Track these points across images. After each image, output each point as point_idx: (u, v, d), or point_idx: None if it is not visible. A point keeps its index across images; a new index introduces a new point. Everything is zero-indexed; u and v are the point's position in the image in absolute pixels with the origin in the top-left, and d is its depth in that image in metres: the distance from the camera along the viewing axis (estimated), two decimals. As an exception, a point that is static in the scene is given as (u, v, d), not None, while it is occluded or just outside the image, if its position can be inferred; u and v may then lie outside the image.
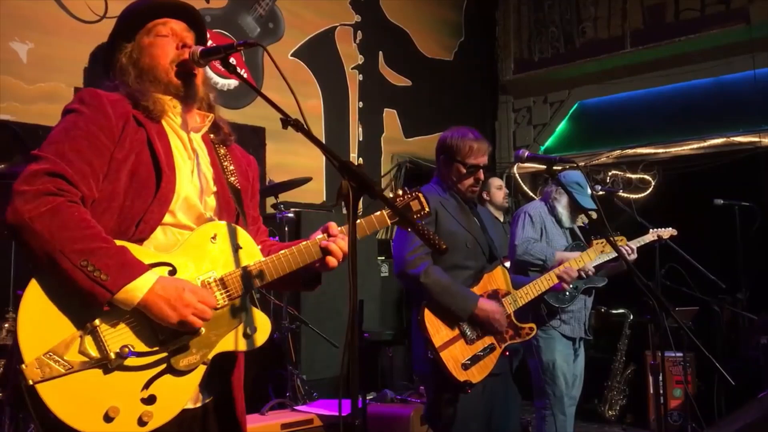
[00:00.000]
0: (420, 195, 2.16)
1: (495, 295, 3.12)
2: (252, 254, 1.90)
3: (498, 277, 3.18)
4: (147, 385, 1.69)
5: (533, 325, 3.18)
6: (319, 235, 1.96)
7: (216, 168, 1.99)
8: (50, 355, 1.60)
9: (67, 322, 1.64)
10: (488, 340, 3.05)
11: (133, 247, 1.73)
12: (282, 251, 1.92)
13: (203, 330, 1.75)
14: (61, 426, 1.60)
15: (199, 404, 1.87)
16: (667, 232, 4.17)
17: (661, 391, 3.45)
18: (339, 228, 1.99)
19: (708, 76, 7.02)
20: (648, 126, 7.34)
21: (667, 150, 7.16)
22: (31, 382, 1.57)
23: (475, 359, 2.99)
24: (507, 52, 8.59)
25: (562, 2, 8.14)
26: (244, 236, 1.91)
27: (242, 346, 1.85)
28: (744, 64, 6.67)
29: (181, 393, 1.75)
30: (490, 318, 3.01)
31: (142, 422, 1.66)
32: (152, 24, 1.96)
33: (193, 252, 1.81)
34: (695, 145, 6.99)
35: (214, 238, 1.84)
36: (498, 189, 5.42)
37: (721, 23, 6.86)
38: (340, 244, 1.94)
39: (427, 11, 7.94)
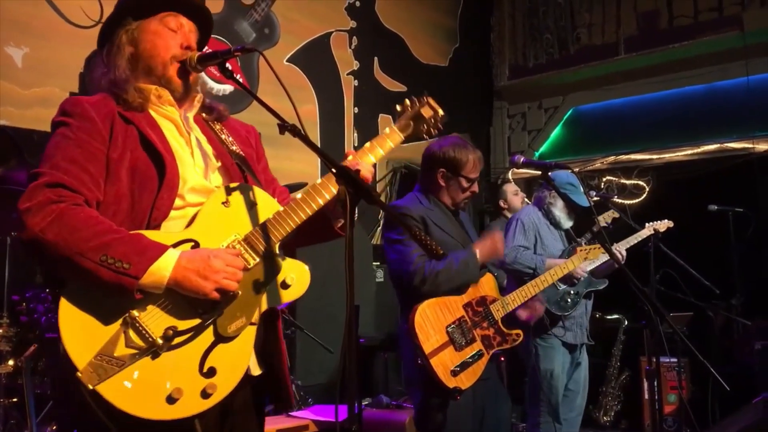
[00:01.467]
0: (430, 99, 2.04)
1: (483, 302, 3.12)
2: (269, 207, 1.88)
3: (485, 285, 3.18)
4: (203, 359, 1.70)
5: (520, 332, 3.18)
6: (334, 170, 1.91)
7: (214, 143, 1.98)
8: (101, 357, 1.63)
9: (106, 321, 1.66)
10: (477, 346, 3.05)
11: (149, 233, 1.73)
12: (299, 196, 1.89)
13: (240, 292, 1.75)
14: (129, 419, 1.62)
15: (257, 372, 1.88)
16: (663, 225, 4.17)
17: (656, 397, 3.45)
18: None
19: (702, 82, 7.05)
20: (642, 132, 7.37)
21: (662, 156, 7.19)
22: (91, 387, 1.60)
23: (464, 365, 2.98)
24: (502, 58, 8.62)
25: (556, 9, 8.17)
26: (256, 192, 1.89)
27: (285, 297, 1.85)
28: (737, 70, 6.71)
29: (239, 358, 1.76)
30: (493, 250, 3.07)
31: (206, 395, 1.69)
32: (166, 14, 1.94)
33: (209, 222, 1.81)
34: (689, 151, 7.03)
35: (226, 202, 1.83)
36: (515, 195, 5.44)
37: (714, 30, 6.90)
38: (361, 164, 1.90)
39: (422, 17, 7.96)
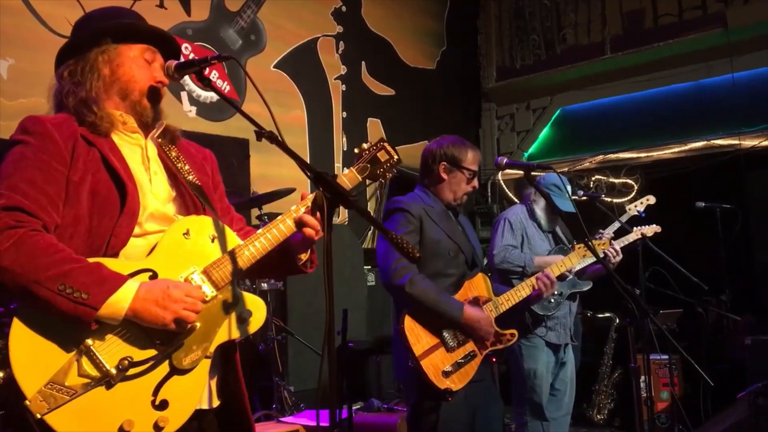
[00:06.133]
0: (386, 144, 2.14)
1: (476, 302, 3.12)
2: (229, 241, 1.89)
3: (479, 284, 3.19)
4: (156, 391, 1.69)
5: (514, 331, 3.18)
6: (293, 207, 1.96)
7: (170, 171, 1.97)
8: (51, 385, 1.60)
9: (60, 349, 1.63)
10: (469, 347, 3.06)
11: (108, 261, 1.72)
12: (259, 230, 1.91)
13: (198, 324, 1.75)
14: None
15: (206, 406, 1.87)
16: (650, 229, 4.17)
17: (644, 393, 3.46)
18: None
19: (687, 80, 7.10)
20: (630, 131, 7.41)
21: (649, 154, 7.22)
22: (38, 416, 1.57)
23: (456, 367, 2.99)
24: (489, 59, 8.66)
25: (542, 9, 8.21)
26: (216, 225, 1.89)
27: (240, 332, 1.85)
28: (722, 68, 6.76)
29: (192, 392, 1.76)
30: (478, 325, 3.02)
31: (158, 428, 1.67)
32: (147, 47, 1.96)
33: (169, 252, 1.80)
34: (676, 149, 7.07)
35: (186, 233, 1.83)
36: None
37: (698, 28, 6.96)
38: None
39: (409, 21, 7.98)
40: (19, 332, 1.62)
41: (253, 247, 1.87)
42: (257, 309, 1.89)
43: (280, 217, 1.93)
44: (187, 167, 2.00)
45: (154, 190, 1.90)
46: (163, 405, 1.69)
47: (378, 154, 2.11)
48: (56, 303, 1.60)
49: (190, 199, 1.95)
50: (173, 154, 2.00)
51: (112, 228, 1.76)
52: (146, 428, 1.66)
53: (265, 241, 1.89)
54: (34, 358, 1.61)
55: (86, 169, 1.78)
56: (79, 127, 1.83)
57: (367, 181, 2.14)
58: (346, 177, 2.05)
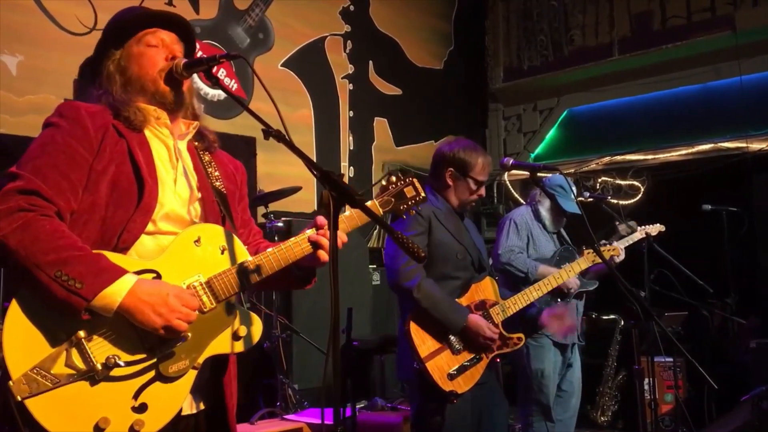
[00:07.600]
0: (414, 180, 2.09)
1: (482, 306, 3.12)
2: (238, 255, 1.88)
3: (486, 288, 3.18)
4: (137, 394, 1.69)
5: (521, 335, 3.18)
6: (308, 230, 1.94)
7: (200, 174, 1.98)
8: (37, 370, 1.61)
9: (52, 336, 1.64)
10: (475, 351, 3.06)
11: (115, 256, 1.72)
12: (270, 249, 1.90)
13: (190, 334, 1.74)
14: None
15: (194, 410, 1.87)
16: (655, 229, 4.17)
17: (647, 396, 3.46)
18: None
19: (695, 82, 7.08)
20: (637, 132, 7.40)
21: (656, 156, 7.21)
22: (19, 398, 1.58)
23: (461, 369, 2.99)
24: (496, 60, 8.65)
25: (550, 11, 8.21)
26: (229, 237, 1.89)
27: (233, 348, 1.84)
28: (730, 70, 6.74)
29: (173, 400, 1.74)
30: (480, 334, 3.02)
31: (133, 430, 1.67)
32: (143, 33, 1.96)
33: (177, 257, 1.80)
34: (683, 151, 7.05)
35: (197, 241, 1.83)
36: None
37: (707, 30, 6.94)
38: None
39: (417, 21, 7.98)
40: (16, 314, 1.64)
41: (261, 265, 1.87)
42: (253, 327, 1.87)
43: (294, 238, 1.91)
44: (217, 173, 2.01)
45: (177, 189, 1.90)
46: (142, 408, 1.69)
47: (405, 189, 2.07)
48: (51, 289, 1.61)
49: (212, 205, 1.96)
50: (207, 158, 2.02)
51: (126, 222, 1.77)
52: (122, 429, 1.66)
53: (274, 261, 1.88)
54: (26, 341, 1.62)
55: (111, 160, 1.80)
56: (113, 119, 1.86)
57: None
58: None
